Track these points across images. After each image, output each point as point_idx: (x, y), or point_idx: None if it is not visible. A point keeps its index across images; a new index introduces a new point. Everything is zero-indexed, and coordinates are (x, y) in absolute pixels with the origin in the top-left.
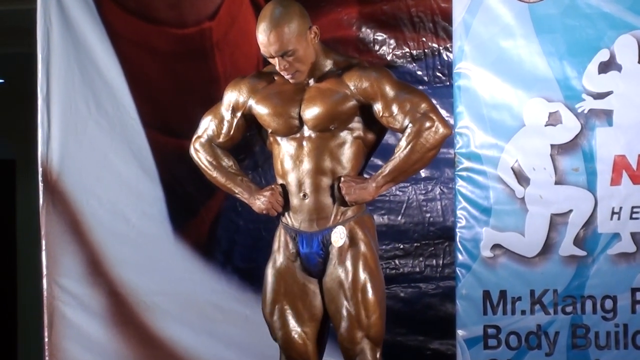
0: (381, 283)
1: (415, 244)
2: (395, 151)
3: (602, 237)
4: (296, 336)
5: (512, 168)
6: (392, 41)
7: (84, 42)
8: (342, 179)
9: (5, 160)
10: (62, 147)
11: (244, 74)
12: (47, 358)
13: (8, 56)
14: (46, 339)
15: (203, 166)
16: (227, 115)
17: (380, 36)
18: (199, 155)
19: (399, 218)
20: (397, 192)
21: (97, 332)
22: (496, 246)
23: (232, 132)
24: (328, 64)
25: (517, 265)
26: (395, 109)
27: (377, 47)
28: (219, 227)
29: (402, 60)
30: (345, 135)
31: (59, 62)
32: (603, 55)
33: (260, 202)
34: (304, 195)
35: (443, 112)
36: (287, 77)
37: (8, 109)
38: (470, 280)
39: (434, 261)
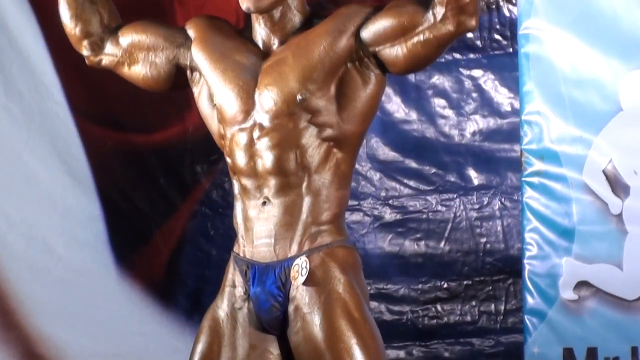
0: (375, 336)
1: (466, 282)
2: None
3: None
4: None
5: (603, 171)
6: None
7: None
8: None
9: None
10: None
11: None
12: None
13: None
14: None
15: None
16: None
17: None
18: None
19: (442, 245)
20: (439, 207)
21: None
22: (582, 284)
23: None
24: (297, 20)
25: (613, 311)
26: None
27: None
28: (181, 259)
29: None
30: (313, 130)
31: None
32: None
33: None
34: (264, 202)
35: (504, 91)
36: None
37: None
38: (544, 333)
39: (493, 306)
